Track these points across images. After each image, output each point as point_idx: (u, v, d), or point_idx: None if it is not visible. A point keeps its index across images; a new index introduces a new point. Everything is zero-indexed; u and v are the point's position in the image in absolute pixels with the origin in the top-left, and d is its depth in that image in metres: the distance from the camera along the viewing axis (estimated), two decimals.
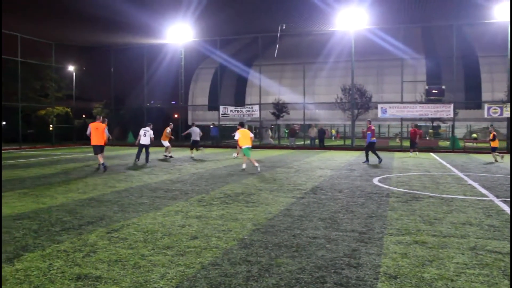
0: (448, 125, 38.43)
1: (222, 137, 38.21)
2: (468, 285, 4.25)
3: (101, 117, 16.13)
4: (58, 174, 14.02)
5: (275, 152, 27.01)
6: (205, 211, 7.80)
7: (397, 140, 31.74)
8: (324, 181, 12.41)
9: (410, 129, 25.03)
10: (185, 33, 34.47)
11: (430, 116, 30.92)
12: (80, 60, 42.83)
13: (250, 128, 40.09)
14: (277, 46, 34.43)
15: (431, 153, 26.38)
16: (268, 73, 37.03)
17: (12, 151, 27.83)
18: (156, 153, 23.02)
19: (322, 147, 32.08)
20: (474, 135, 46.13)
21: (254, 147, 33.45)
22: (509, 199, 9.21)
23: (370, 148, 19.11)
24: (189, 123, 42.00)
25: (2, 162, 18.86)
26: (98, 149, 15.26)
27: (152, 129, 18.55)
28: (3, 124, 40.64)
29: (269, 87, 36.96)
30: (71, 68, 42.47)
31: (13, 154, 24.79)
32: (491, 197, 9.62)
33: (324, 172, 14.94)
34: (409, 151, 24.78)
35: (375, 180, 12.58)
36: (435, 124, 36.61)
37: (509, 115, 27.95)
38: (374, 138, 19.10)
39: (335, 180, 12.53)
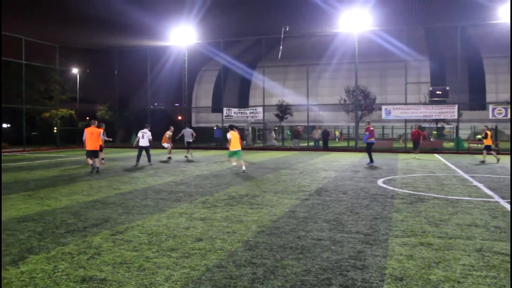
0: (452, 126, 38.28)
1: (225, 139, 38.19)
2: (475, 287, 4.22)
3: (96, 122, 16.01)
4: (62, 176, 14.04)
5: (279, 154, 26.99)
6: (209, 213, 7.79)
7: (401, 141, 31.66)
8: (328, 182, 12.37)
9: (412, 130, 24.83)
10: (188, 35, 34.54)
11: (434, 118, 30.83)
12: (84, 63, 43.07)
13: (253, 130, 40.19)
14: (281, 47, 34.44)
15: (436, 154, 26.30)
16: (271, 74, 37.02)
17: (17, 153, 27.92)
18: (158, 155, 23.04)
19: (326, 148, 32.02)
20: (479, 136, 45.90)
21: (258, 149, 33.52)
22: None
23: (368, 148, 19.19)
24: (193, 125, 42.13)
25: (7, 164, 18.92)
26: (91, 155, 15.09)
27: (150, 130, 18.62)
28: (7, 127, 40.79)
29: (272, 88, 36.93)
30: (75, 70, 42.65)
31: (18, 156, 24.87)
32: (497, 198, 9.57)
33: (328, 173, 14.91)
34: (414, 152, 24.66)
35: (380, 182, 12.54)
36: (439, 125, 36.47)
37: None
38: (373, 139, 19.13)
39: (340, 182, 12.50)
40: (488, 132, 20.50)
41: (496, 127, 36.15)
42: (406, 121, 32.15)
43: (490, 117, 29.07)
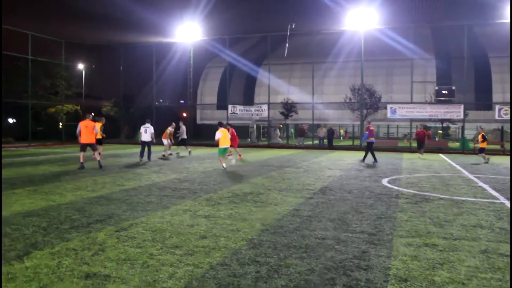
0: (458, 126, 38.11)
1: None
2: None
3: (91, 115, 16.01)
4: (67, 171, 14.09)
5: (283, 152, 26.96)
6: (213, 211, 7.79)
7: (405, 140, 31.55)
8: (333, 181, 12.35)
9: (417, 129, 24.73)
10: (194, 31, 34.53)
11: (439, 117, 30.69)
12: (89, 58, 43.15)
13: (258, 128, 40.18)
14: (287, 45, 34.36)
15: (441, 154, 26.19)
16: (277, 72, 36.94)
17: (22, 148, 28.04)
18: (160, 152, 23.07)
19: (331, 147, 31.97)
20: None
21: (262, 146, 33.50)
22: None
23: (368, 147, 19.35)
24: (198, 122, 42.15)
25: (12, 159, 19.00)
26: (85, 147, 15.14)
27: (151, 125, 18.75)
28: (13, 122, 40.96)
29: (278, 86, 36.87)
30: (81, 66, 42.71)
31: (23, 151, 24.97)
32: (502, 199, 9.51)
33: (333, 172, 14.87)
34: (418, 152, 24.53)
35: (384, 181, 12.50)
36: (444, 125, 36.32)
37: None
38: (373, 139, 19.37)
39: (344, 181, 12.47)
40: (484, 134, 21.18)
41: (502, 127, 35.96)
42: (411, 120, 32.02)
43: (496, 117, 28.90)
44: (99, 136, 18.76)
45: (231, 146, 19.12)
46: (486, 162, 20.34)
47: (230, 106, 35.77)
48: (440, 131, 46.89)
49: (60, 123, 39.55)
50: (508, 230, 6.62)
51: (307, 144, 35.12)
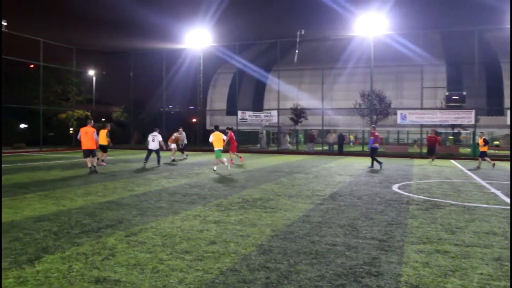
0: (469, 131, 37.81)
1: (240, 142, 38.19)
2: None
3: (92, 121, 16.16)
4: (77, 176, 14.18)
5: (293, 158, 26.92)
6: (223, 216, 7.78)
7: (415, 146, 31.36)
8: (343, 187, 12.29)
9: (428, 135, 24.52)
10: (204, 38, 34.68)
11: (450, 123, 30.48)
12: (100, 65, 43.50)
13: (268, 133, 40.19)
14: (297, 51, 34.40)
15: (452, 160, 25.98)
16: (286, 78, 36.98)
17: (34, 153, 28.29)
18: (169, 158, 23.13)
19: (341, 152, 31.87)
20: (496, 142, 45.35)
21: (272, 152, 33.48)
22: None
23: (372, 153, 19.37)
24: (207, 127, 42.29)
25: (24, 164, 19.18)
26: (88, 153, 15.28)
27: (159, 133, 19.12)
28: (25, 127, 41.38)
29: (287, 92, 36.91)
30: (91, 72, 43.07)
31: (35, 156, 25.20)
32: None
33: (343, 178, 14.81)
34: (428, 158, 24.32)
35: (395, 187, 12.42)
36: (455, 130, 36.06)
37: None
38: (377, 144, 19.37)
39: (354, 187, 12.40)
40: (485, 139, 21.23)
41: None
42: (421, 126, 31.85)
43: (508, 122, 28.63)
44: (105, 142, 18.97)
45: (229, 151, 19.98)
46: (478, 167, 20.44)
47: (239, 112, 35.84)
48: (451, 137, 46.56)
49: (71, 129, 39.87)
50: None
51: (316, 149, 35.03)
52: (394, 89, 36.06)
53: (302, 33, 32.57)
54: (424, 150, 28.87)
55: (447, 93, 32.05)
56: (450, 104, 30.97)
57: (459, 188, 12.55)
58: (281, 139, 39.18)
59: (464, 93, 31.18)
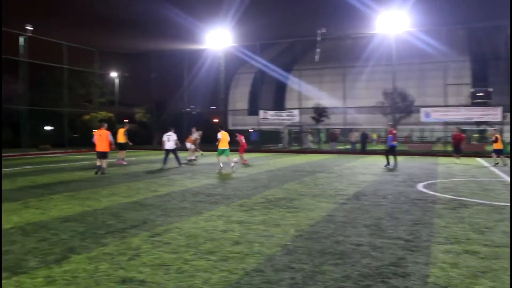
0: (495, 129, 36.98)
1: (262, 141, 38.18)
2: None
3: (106, 124, 16.37)
4: (102, 177, 14.36)
5: (315, 157, 26.76)
6: (247, 216, 7.77)
7: (440, 144, 30.84)
8: (366, 186, 12.15)
9: (453, 133, 24.04)
10: (224, 38, 34.79)
11: (475, 120, 29.85)
12: (122, 67, 44.05)
13: (289, 133, 40.09)
14: (318, 50, 34.21)
15: (477, 158, 25.45)
16: (307, 77, 36.79)
17: (59, 155, 28.82)
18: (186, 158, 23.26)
19: (364, 151, 31.54)
20: None
21: (294, 151, 33.37)
22: None
23: (390, 151, 19.16)
24: (229, 127, 42.41)
25: (49, 165, 19.54)
26: (101, 155, 15.53)
27: (174, 133, 18.94)
28: (50, 129, 42.18)
29: (308, 91, 36.71)
30: (114, 74, 43.66)
31: (60, 157, 25.66)
32: None
33: (366, 177, 14.65)
34: (454, 156, 23.83)
35: (420, 186, 12.22)
36: (481, 128, 35.31)
37: None
38: (395, 142, 19.08)
39: (378, 186, 12.25)
40: (498, 136, 20.74)
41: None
42: (446, 123, 31.27)
43: None
44: (123, 141, 19.24)
45: (237, 151, 20.89)
46: (497, 164, 20.04)
47: (261, 112, 35.82)
48: (476, 135, 45.60)
49: (94, 130, 40.45)
50: None
51: (339, 148, 34.76)
52: (417, 86, 35.45)
53: (323, 31, 32.35)
54: (450, 148, 28.33)
55: (472, 90, 31.39)
56: (475, 101, 30.33)
57: (486, 186, 12.27)
58: (303, 138, 39.01)
59: (490, 89, 30.49)
